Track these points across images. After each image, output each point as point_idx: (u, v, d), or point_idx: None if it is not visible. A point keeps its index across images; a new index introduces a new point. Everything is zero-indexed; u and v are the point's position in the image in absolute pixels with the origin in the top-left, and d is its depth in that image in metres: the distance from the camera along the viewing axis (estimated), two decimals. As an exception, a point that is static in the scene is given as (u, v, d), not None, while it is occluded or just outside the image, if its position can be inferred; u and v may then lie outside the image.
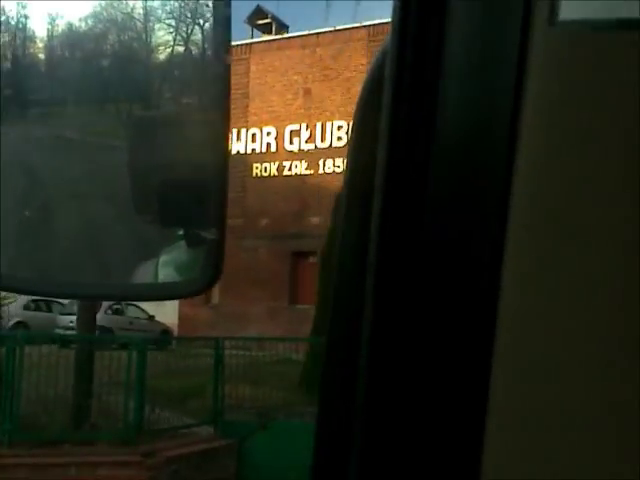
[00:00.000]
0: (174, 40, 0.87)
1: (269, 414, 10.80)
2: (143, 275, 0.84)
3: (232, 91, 0.70)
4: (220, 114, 0.73)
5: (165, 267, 0.83)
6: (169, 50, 0.88)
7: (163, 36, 0.86)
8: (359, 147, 0.51)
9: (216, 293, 22.73)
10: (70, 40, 0.85)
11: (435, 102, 0.42)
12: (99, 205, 0.84)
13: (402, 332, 0.43)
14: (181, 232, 0.81)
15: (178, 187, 0.76)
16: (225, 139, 0.75)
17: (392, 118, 0.44)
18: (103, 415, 9.77)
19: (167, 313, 22.14)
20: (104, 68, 0.87)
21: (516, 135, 0.39)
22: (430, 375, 0.42)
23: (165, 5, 0.85)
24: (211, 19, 0.80)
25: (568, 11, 0.38)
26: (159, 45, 0.87)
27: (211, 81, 0.79)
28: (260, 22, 25.96)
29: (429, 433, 0.42)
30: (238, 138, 24.08)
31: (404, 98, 0.43)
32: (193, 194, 0.76)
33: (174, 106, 0.91)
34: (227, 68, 0.73)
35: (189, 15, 0.85)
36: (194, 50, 0.87)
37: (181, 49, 0.88)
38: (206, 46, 0.83)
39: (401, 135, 0.43)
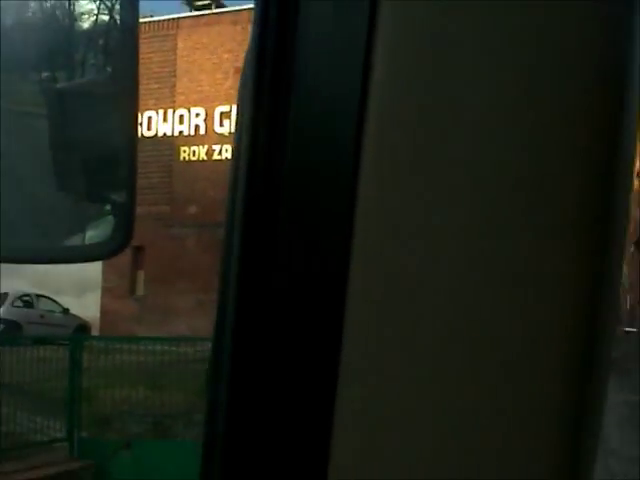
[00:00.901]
0: (98, 9, 0.91)
1: (164, 423, 10.18)
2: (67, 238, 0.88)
3: (158, 69, 0.75)
4: (130, 82, 0.76)
5: (90, 230, 0.87)
6: (93, 19, 0.92)
7: (86, 4, 0.90)
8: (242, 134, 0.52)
9: (141, 284, 22.43)
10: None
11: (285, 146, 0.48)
12: (28, 173, 0.87)
13: (258, 345, 0.48)
14: (102, 196, 0.85)
15: (93, 156, 0.81)
16: (134, 110, 0.79)
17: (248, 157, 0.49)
18: None
19: (88, 306, 21.62)
20: (26, 37, 0.90)
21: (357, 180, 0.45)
22: (281, 378, 0.47)
23: (89, -27, 0.89)
24: None
25: None
26: (82, 13, 0.90)
27: (122, 52, 0.83)
28: (199, 3, 25.55)
29: (280, 436, 0.47)
30: (165, 119, 23.74)
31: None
32: (106, 161, 0.80)
33: (95, 76, 0.95)
34: (135, 37, 0.77)
35: (113, -16, 0.89)
36: (118, 19, 0.91)
37: (105, 18, 0.92)
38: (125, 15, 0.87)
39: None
